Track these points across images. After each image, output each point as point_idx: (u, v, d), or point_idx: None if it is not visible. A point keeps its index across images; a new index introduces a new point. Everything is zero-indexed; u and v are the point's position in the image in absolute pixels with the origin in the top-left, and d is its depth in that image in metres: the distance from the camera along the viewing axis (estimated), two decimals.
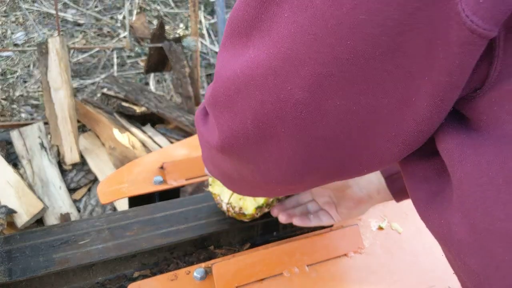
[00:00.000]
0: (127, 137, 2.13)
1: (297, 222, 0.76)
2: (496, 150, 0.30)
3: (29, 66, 3.12)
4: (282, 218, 0.77)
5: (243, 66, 0.35)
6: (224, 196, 0.80)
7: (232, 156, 0.42)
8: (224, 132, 0.40)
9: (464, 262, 0.33)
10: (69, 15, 3.52)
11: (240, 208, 0.79)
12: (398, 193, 0.72)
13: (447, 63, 0.28)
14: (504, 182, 0.29)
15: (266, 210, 0.81)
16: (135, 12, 3.59)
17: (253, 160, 0.40)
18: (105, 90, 2.62)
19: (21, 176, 2.01)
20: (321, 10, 0.29)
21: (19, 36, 3.33)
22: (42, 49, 2.18)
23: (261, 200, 0.78)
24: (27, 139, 2.18)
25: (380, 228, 0.87)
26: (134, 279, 0.76)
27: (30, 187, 1.97)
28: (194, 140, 1.16)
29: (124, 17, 3.53)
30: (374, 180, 0.72)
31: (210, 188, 0.83)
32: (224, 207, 0.81)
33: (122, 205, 1.86)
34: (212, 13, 3.77)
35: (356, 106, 0.32)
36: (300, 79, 0.32)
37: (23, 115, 2.70)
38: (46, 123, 2.26)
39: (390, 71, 0.30)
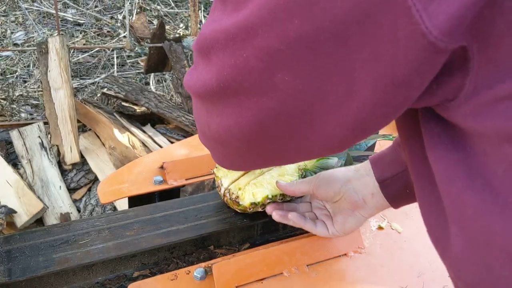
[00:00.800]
0: (127, 137, 2.13)
1: (292, 217, 0.75)
2: (480, 169, 0.30)
3: (29, 65, 3.12)
4: (276, 216, 0.76)
5: (213, 29, 0.37)
6: (225, 181, 0.82)
7: (204, 105, 0.45)
8: (202, 80, 0.42)
9: (459, 277, 0.34)
10: (69, 14, 3.52)
11: (237, 197, 0.80)
12: (392, 198, 0.70)
13: (393, 58, 0.29)
14: (504, 198, 0.29)
15: (260, 209, 0.82)
16: (135, 12, 3.59)
17: (218, 112, 0.42)
18: (105, 90, 2.62)
19: (21, 176, 2.01)
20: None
21: (19, 35, 3.33)
22: (42, 48, 2.18)
23: (259, 198, 0.79)
24: (27, 139, 2.18)
25: (380, 228, 0.87)
26: (134, 279, 0.76)
27: (30, 187, 1.97)
28: (194, 140, 1.16)
29: (124, 17, 3.53)
30: (369, 183, 0.72)
31: (214, 170, 0.86)
32: (222, 191, 0.82)
33: (122, 205, 1.86)
34: None
35: (303, 86, 0.34)
36: (253, 48, 0.33)
37: (23, 115, 2.70)
38: (46, 123, 2.26)
39: (335, 62, 0.31)
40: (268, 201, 0.81)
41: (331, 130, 0.36)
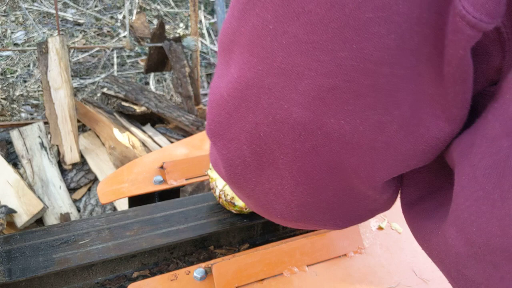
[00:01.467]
0: (127, 137, 2.13)
1: None
2: (493, 162, 0.27)
3: (29, 65, 3.12)
4: None
5: (230, 88, 0.31)
6: (220, 182, 0.82)
7: (236, 188, 0.38)
8: (223, 161, 0.36)
9: (463, 274, 0.32)
10: (69, 14, 3.51)
11: (232, 198, 0.80)
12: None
13: (449, 55, 0.26)
14: (500, 197, 0.27)
15: None
16: (135, 11, 3.59)
17: (254, 191, 0.36)
18: (105, 90, 2.62)
19: (21, 175, 2.01)
20: (318, 15, 0.26)
21: (19, 35, 3.33)
22: (42, 48, 2.18)
23: None
24: (27, 139, 2.18)
25: (380, 228, 0.87)
26: (134, 279, 0.76)
27: (30, 186, 1.97)
28: (194, 139, 1.16)
29: (124, 17, 3.53)
30: None
31: (209, 171, 0.86)
32: (217, 193, 0.82)
33: (122, 205, 1.86)
34: (212, 12, 3.77)
35: (363, 125, 0.28)
36: (298, 95, 0.28)
37: (23, 114, 2.70)
38: (46, 123, 2.26)
39: (400, 75, 0.27)
40: None
41: (392, 164, 0.31)
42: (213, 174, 0.84)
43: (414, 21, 0.26)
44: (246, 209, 0.81)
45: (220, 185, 0.82)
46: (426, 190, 0.36)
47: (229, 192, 0.81)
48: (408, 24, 0.26)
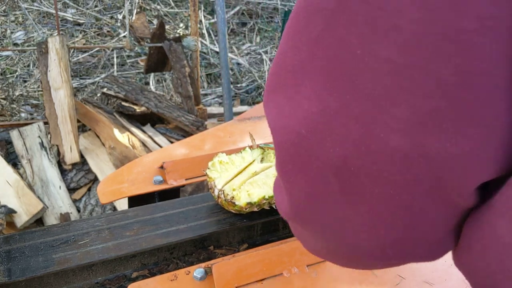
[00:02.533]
0: (127, 137, 2.13)
1: None
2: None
3: (28, 65, 3.12)
4: None
5: (307, 122, 0.29)
6: (219, 182, 0.82)
7: (307, 227, 0.35)
8: (294, 195, 0.33)
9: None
10: (69, 14, 3.52)
11: (232, 198, 0.80)
12: None
13: None
14: None
15: (255, 209, 0.82)
16: (135, 11, 3.59)
17: (333, 227, 0.33)
18: (105, 90, 2.62)
19: (21, 176, 2.01)
20: (413, 33, 0.24)
21: (19, 35, 3.33)
22: (42, 48, 2.18)
23: (255, 198, 0.79)
24: (27, 139, 2.18)
25: None
26: (134, 279, 0.76)
27: (30, 187, 1.97)
28: (194, 139, 1.16)
29: (124, 17, 3.53)
30: None
31: (207, 171, 0.85)
32: (216, 193, 0.82)
33: (122, 205, 1.86)
34: (212, 12, 3.77)
35: (469, 145, 0.25)
36: (395, 120, 0.25)
37: (23, 114, 2.70)
38: (46, 123, 2.26)
39: (501, 85, 0.24)
40: (264, 201, 0.81)
41: None
42: (211, 174, 0.84)
43: None
44: (245, 208, 0.81)
45: (219, 185, 0.82)
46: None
47: (229, 192, 0.80)
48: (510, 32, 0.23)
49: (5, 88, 2.86)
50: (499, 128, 0.26)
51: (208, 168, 0.85)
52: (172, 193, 0.98)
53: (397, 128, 0.26)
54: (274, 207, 0.85)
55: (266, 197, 0.80)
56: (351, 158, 0.28)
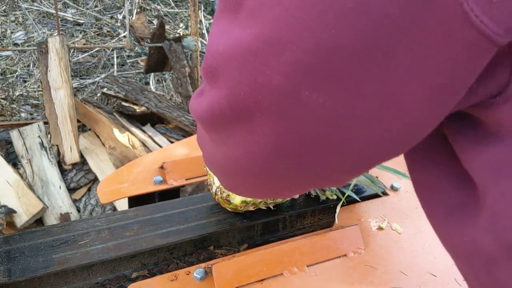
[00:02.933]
0: (127, 137, 2.13)
1: None
2: None
3: (29, 65, 3.11)
4: None
5: (226, 44, 0.33)
6: (217, 179, 0.82)
7: (208, 132, 0.41)
8: (208, 103, 0.38)
9: (495, 276, 0.32)
10: (69, 14, 3.51)
11: (228, 195, 0.80)
12: None
13: (448, 65, 0.27)
14: None
15: (251, 208, 0.82)
16: (135, 11, 3.59)
17: (225, 142, 0.39)
18: (105, 90, 2.62)
19: (21, 176, 2.01)
20: None
21: (19, 35, 3.33)
22: (42, 48, 2.18)
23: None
24: (27, 139, 2.18)
25: (380, 228, 0.87)
26: (134, 280, 0.76)
27: (30, 187, 1.97)
28: (194, 140, 1.16)
29: (124, 17, 3.52)
30: None
31: (207, 167, 0.85)
32: (213, 190, 0.82)
33: (122, 205, 1.86)
34: (212, 12, 3.77)
35: (334, 105, 0.30)
36: (279, 64, 0.30)
37: (23, 114, 2.70)
38: (46, 123, 2.26)
39: (376, 73, 0.28)
40: (260, 200, 0.81)
41: (360, 152, 0.33)
42: (210, 170, 0.84)
43: (402, 30, 0.26)
44: (240, 207, 0.81)
45: (218, 182, 0.82)
46: (451, 197, 0.37)
47: (225, 190, 0.80)
48: (393, 29, 0.26)
49: (5, 88, 2.86)
50: (365, 107, 0.30)
51: None
52: (172, 193, 0.98)
53: (280, 70, 0.30)
54: (271, 207, 0.85)
55: None
56: (243, 84, 0.33)
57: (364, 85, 0.29)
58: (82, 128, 2.39)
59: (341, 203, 0.88)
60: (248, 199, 0.80)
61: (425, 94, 0.29)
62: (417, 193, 0.41)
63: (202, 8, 3.74)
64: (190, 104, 0.43)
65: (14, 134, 2.21)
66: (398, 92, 0.29)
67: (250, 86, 0.32)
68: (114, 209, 1.98)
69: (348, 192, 0.89)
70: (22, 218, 1.82)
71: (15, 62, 3.13)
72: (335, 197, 0.90)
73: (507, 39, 0.26)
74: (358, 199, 0.91)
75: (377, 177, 0.98)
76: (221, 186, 0.81)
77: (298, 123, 0.32)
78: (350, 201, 0.92)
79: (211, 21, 3.68)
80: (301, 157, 0.35)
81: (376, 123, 0.31)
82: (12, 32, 3.33)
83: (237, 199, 0.80)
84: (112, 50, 3.26)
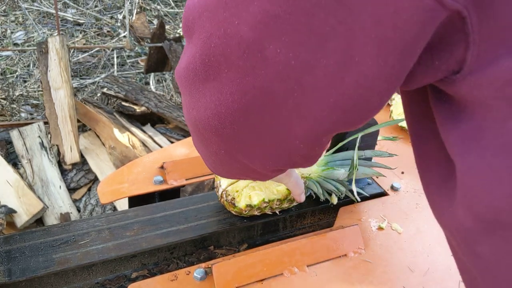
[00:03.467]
0: (127, 137, 2.13)
1: None
2: (502, 142, 0.29)
3: (29, 65, 3.11)
4: None
5: (198, 2, 0.34)
6: (224, 182, 0.82)
7: (188, 94, 0.41)
8: (186, 60, 0.38)
9: (473, 250, 0.33)
10: (69, 14, 3.51)
11: (233, 199, 0.80)
12: None
13: (396, 20, 0.28)
14: (507, 174, 0.29)
15: (256, 212, 0.82)
16: (135, 11, 3.59)
17: (198, 102, 0.39)
18: (105, 90, 2.62)
19: (21, 175, 2.01)
20: None
21: (19, 35, 3.33)
22: (42, 48, 2.18)
23: (255, 201, 0.79)
24: (27, 139, 2.18)
25: (380, 228, 0.87)
26: (134, 279, 0.76)
27: (30, 186, 1.97)
28: None
29: (124, 17, 3.52)
30: None
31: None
32: (220, 192, 0.82)
33: (122, 205, 1.86)
34: None
35: (294, 61, 0.31)
36: (248, 14, 0.31)
37: (23, 114, 2.70)
38: (46, 123, 2.26)
39: (333, 26, 0.29)
40: (265, 205, 0.81)
41: (320, 113, 0.34)
42: None
43: None
44: (245, 211, 0.81)
45: (224, 185, 0.82)
46: (443, 169, 0.38)
47: (231, 193, 0.80)
48: None
49: (5, 88, 2.86)
50: (325, 65, 0.31)
51: None
52: (172, 193, 0.98)
53: (248, 21, 0.31)
54: (276, 212, 0.85)
55: (266, 200, 0.80)
56: (214, 36, 0.33)
57: (325, 40, 0.30)
58: (82, 128, 2.39)
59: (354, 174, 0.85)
60: (253, 202, 0.80)
61: (374, 49, 0.29)
62: (418, 165, 0.41)
63: None
64: (175, 70, 0.44)
65: (14, 134, 2.21)
66: (354, 45, 0.30)
67: (220, 38, 0.33)
68: (114, 209, 1.98)
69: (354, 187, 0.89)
70: (22, 218, 1.83)
71: (15, 62, 3.13)
72: (335, 201, 0.90)
73: (454, 3, 0.27)
74: (366, 194, 0.91)
75: (377, 177, 0.98)
76: (227, 189, 0.81)
77: (261, 79, 0.33)
78: (350, 201, 0.92)
79: None
80: (264, 115, 0.35)
81: (333, 83, 0.31)
82: (12, 32, 3.33)
83: (242, 203, 0.80)
84: (112, 50, 3.26)
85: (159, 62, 2.53)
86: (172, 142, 2.23)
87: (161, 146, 2.16)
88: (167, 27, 3.37)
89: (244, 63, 0.33)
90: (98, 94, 2.79)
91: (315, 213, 0.92)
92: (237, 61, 0.33)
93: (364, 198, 0.93)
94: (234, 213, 0.83)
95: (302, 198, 0.81)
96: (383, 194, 0.96)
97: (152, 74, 3.02)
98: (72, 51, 3.20)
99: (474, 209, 0.31)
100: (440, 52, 0.30)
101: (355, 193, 0.83)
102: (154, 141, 2.22)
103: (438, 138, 0.37)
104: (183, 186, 0.98)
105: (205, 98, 0.37)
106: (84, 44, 3.36)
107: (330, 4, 0.28)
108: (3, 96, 2.79)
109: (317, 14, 0.29)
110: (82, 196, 2.08)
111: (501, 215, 0.30)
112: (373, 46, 0.29)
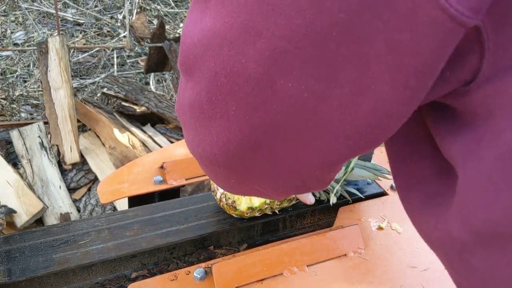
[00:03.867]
0: (127, 137, 2.13)
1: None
2: (499, 153, 0.29)
3: (29, 65, 3.11)
4: None
5: (200, 35, 0.33)
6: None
7: (188, 125, 0.40)
8: (189, 98, 0.37)
9: (468, 262, 0.33)
10: (69, 14, 3.51)
11: (234, 202, 0.79)
12: None
13: (414, 46, 0.27)
14: (506, 187, 0.28)
15: (257, 214, 0.82)
16: (135, 11, 3.59)
17: (204, 140, 0.38)
18: (105, 90, 2.62)
19: (21, 175, 2.01)
20: None
21: (19, 35, 3.33)
22: (42, 48, 2.18)
23: (256, 203, 0.79)
24: (27, 139, 2.18)
25: (380, 228, 0.87)
26: (134, 279, 0.76)
27: (30, 186, 1.97)
28: None
29: (124, 17, 3.52)
30: None
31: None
32: (218, 196, 0.82)
33: (122, 205, 1.86)
34: None
35: (307, 93, 0.30)
36: (255, 51, 0.30)
37: (23, 114, 2.70)
38: (46, 123, 2.26)
39: (345, 56, 0.28)
40: (266, 206, 0.81)
41: (336, 141, 0.33)
42: None
43: (367, 6, 0.26)
44: (247, 213, 0.80)
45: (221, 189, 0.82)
46: (431, 186, 0.37)
47: (230, 196, 0.80)
48: (360, 7, 0.26)
49: (5, 88, 2.86)
50: (339, 95, 0.30)
51: None
52: (172, 193, 0.98)
53: (255, 58, 0.30)
54: (276, 211, 0.85)
55: (267, 201, 0.80)
56: (220, 75, 0.32)
57: (338, 70, 0.29)
58: (82, 128, 2.39)
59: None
60: (254, 204, 0.80)
61: (391, 76, 0.29)
62: (397, 185, 0.41)
63: None
64: (175, 105, 0.42)
65: (14, 134, 2.21)
66: (369, 74, 0.29)
67: (226, 76, 0.32)
68: (114, 209, 1.98)
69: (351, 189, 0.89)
70: (22, 218, 1.83)
71: (15, 62, 3.13)
72: (335, 200, 0.90)
73: (473, 21, 0.26)
74: (361, 196, 0.91)
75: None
76: (226, 193, 0.81)
77: (273, 113, 0.32)
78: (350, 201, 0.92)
79: None
80: (276, 148, 0.35)
81: (348, 111, 0.31)
82: (12, 32, 3.33)
83: (243, 206, 0.79)
84: (112, 50, 3.26)
85: (159, 62, 2.53)
86: (172, 142, 2.23)
87: (161, 146, 2.16)
88: (167, 27, 3.37)
89: (254, 99, 0.32)
90: (98, 94, 2.79)
91: (314, 213, 0.92)
92: (246, 98, 0.32)
93: (364, 198, 0.93)
94: (235, 215, 0.82)
95: (311, 200, 0.81)
96: (383, 194, 0.96)
97: (152, 74, 3.02)
98: (72, 51, 3.20)
99: (472, 222, 0.31)
100: (452, 63, 0.29)
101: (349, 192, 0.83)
102: (154, 141, 2.22)
103: (424, 156, 0.36)
104: (183, 186, 0.98)
105: (211, 136, 0.36)
106: (84, 44, 3.36)
107: (341, 34, 0.27)
108: (3, 96, 2.79)
109: (328, 46, 0.28)
110: (82, 196, 2.08)
111: (499, 227, 0.29)
112: (390, 73, 0.28)
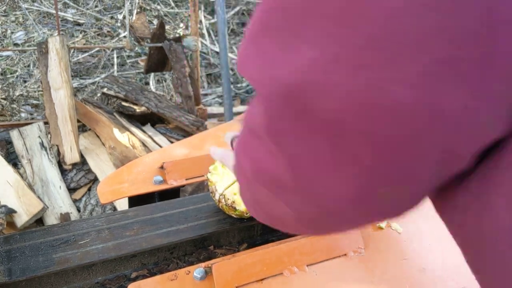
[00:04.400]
0: (127, 137, 2.13)
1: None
2: None
3: (29, 65, 3.12)
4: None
5: (306, 69, 0.25)
6: (220, 186, 0.81)
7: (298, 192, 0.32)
8: (290, 155, 0.30)
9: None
10: (69, 14, 3.51)
11: (233, 202, 0.79)
12: None
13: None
14: None
15: None
16: (135, 11, 3.59)
17: (318, 190, 0.31)
18: (105, 90, 2.62)
19: (21, 175, 2.01)
20: None
21: (19, 35, 3.33)
22: (42, 48, 2.18)
23: None
24: (27, 139, 2.18)
25: (380, 228, 0.87)
26: (134, 279, 0.76)
27: (30, 186, 1.97)
28: (194, 139, 1.16)
29: (124, 17, 3.52)
30: None
31: (208, 175, 0.84)
32: (217, 197, 0.81)
33: (122, 205, 1.86)
34: (212, 13, 3.77)
35: (468, 102, 0.25)
36: (402, 72, 0.23)
37: (23, 114, 2.70)
38: (46, 123, 2.26)
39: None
40: None
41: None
42: (212, 177, 0.83)
43: None
44: (246, 213, 0.80)
45: (220, 189, 0.81)
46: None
47: (230, 196, 0.80)
48: None
49: (5, 88, 2.86)
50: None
51: (209, 172, 0.84)
52: (172, 193, 0.98)
53: (404, 78, 0.23)
54: None
55: None
56: (348, 113, 0.25)
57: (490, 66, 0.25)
58: (82, 128, 2.39)
59: None
60: None
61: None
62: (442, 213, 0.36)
63: (202, 8, 3.74)
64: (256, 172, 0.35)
65: (14, 134, 2.21)
66: None
67: (358, 115, 0.25)
68: (114, 209, 1.98)
69: None
70: (22, 218, 1.83)
71: (15, 62, 3.13)
72: None
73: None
74: None
75: None
76: (224, 193, 0.80)
77: (426, 141, 0.26)
78: None
79: (211, 21, 3.69)
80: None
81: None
82: (12, 32, 3.33)
83: (242, 206, 0.79)
84: (112, 50, 3.26)
85: (159, 62, 2.53)
86: (172, 142, 2.23)
87: (161, 146, 2.16)
88: (167, 27, 3.37)
89: (400, 131, 0.25)
90: (98, 94, 2.79)
91: None
92: (388, 134, 0.26)
93: None
94: (235, 216, 0.82)
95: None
96: None
97: (152, 74, 3.03)
98: (72, 51, 3.21)
99: None
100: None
101: None
102: (154, 141, 2.22)
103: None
104: (183, 186, 0.99)
105: (281, 209, 0.34)
106: (84, 44, 3.36)
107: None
108: (3, 96, 2.79)
109: (498, 41, 0.23)
110: (82, 196, 2.08)
111: None
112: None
